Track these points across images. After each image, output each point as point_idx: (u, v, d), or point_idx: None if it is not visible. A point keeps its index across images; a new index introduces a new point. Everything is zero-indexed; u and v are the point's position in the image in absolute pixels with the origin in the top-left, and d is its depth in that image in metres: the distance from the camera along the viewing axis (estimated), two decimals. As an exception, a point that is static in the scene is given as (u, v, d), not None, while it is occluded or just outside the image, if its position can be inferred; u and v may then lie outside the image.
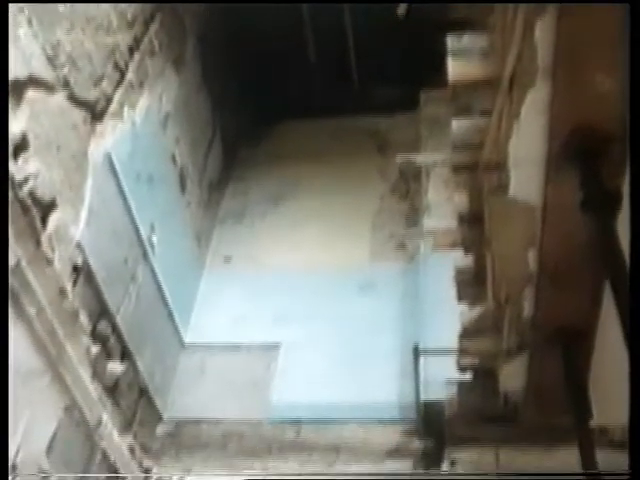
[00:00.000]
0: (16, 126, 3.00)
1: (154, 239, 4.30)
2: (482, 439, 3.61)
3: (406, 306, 4.56)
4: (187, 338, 4.72)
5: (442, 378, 3.73)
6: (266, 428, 4.13)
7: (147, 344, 4.18)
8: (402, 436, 3.90)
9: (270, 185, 5.75)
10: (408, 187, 5.48)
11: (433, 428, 3.80)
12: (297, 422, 4.10)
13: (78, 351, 3.45)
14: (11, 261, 2.92)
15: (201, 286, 5.07)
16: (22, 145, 3.05)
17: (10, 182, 2.94)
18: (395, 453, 3.83)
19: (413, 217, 5.15)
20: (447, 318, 3.51)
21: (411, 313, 4.47)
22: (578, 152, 2.29)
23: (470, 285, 3.04)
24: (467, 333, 3.13)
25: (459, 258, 3.06)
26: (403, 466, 3.78)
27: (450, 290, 3.26)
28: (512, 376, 3.18)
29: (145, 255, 4.20)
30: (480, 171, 2.67)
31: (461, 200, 2.83)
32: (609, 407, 2.93)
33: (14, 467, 2.96)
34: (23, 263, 3.00)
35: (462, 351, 3.21)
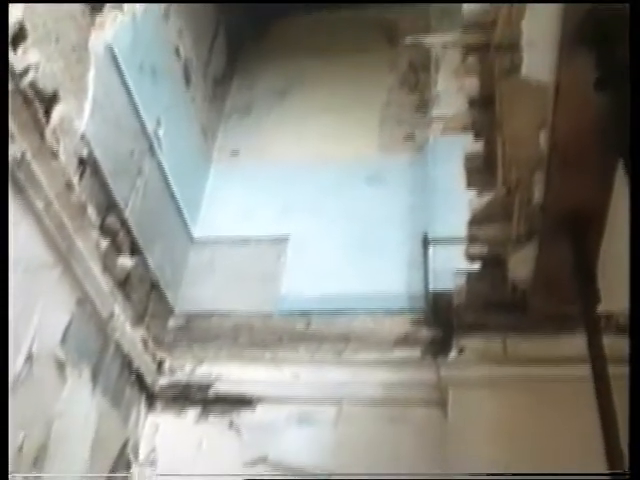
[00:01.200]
0: (13, 15, 2.92)
1: (160, 132, 4.26)
2: (490, 327, 3.64)
3: (415, 197, 4.53)
4: (196, 233, 4.73)
5: (451, 268, 3.74)
6: (276, 320, 4.18)
7: (156, 239, 4.20)
8: (411, 325, 3.95)
9: (276, 79, 5.63)
10: (417, 79, 5.36)
11: (441, 317, 3.84)
12: (307, 313, 4.14)
13: (88, 245, 3.46)
14: (16, 154, 2.90)
15: (209, 181, 5.04)
16: (20, 35, 2.98)
17: (10, 74, 2.88)
18: (404, 342, 3.88)
19: (422, 109, 5.06)
20: (456, 209, 3.49)
21: (420, 204, 4.44)
22: (594, 31, 2.22)
23: (480, 171, 3.00)
24: (476, 220, 3.11)
25: (469, 144, 3.02)
26: (412, 354, 3.83)
27: (459, 181, 3.22)
28: (521, 264, 3.17)
29: (151, 148, 4.17)
30: (492, 52, 2.60)
31: (471, 84, 2.77)
32: (616, 292, 2.94)
33: (30, 356, 3.02)
34: (28, 156, 2.98)
35: (471, 239, 3.20)
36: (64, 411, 3.24)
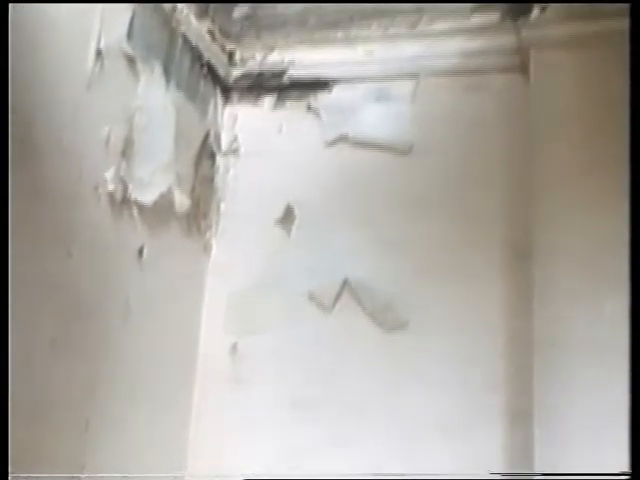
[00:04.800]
0: None
1: None
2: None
3: None
4: None
5: None
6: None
7: None
8: (489, -12, 3.69)
9: None
10: None
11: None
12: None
13: None
14: None
15: None
16: None
17: None
18: (481, 7, 3.62)
19: None
20: None
21: None
22: None
23: None
24: None
25: None
26: (490, 18, 3.61)
27: None
28: None
29: None
30: None
31: None
32: None
33: (99, 52, 2.97)
34: None
35: None
36: (142, 105, 3.24)
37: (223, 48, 4.00)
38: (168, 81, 3.48)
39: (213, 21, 3.93)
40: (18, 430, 2.32)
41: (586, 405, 2.86)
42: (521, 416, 3.11)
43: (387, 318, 3.45)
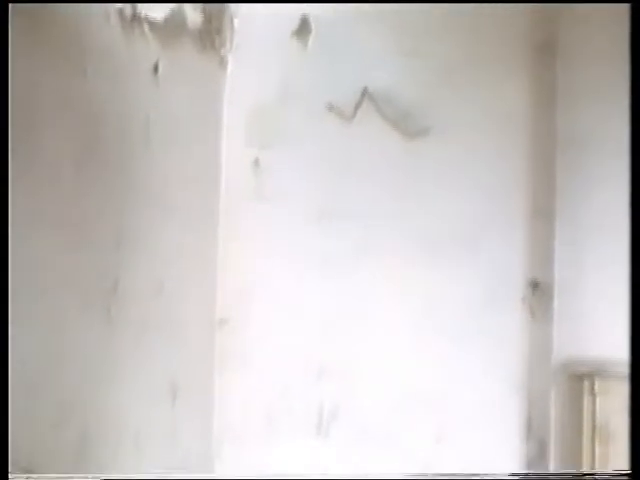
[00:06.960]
0: None
1: None
2: None
3: None
4: None
5: None
6: None
7: None
8: None
9: None
10: None
11: None
12: None
13: None
14: None
15: None
16: None
17: None
18: None
19: None
20: None
21: None
22: None
23: None
24: None
25: None
26: None
27: None
28: None
29: None
30: None
31: None
32: None
33: None
34: None
35: None
36: None
37: None
38: None
39: None
40: (51, 254, 2.41)
41: (605, 202, 2.88)
42: (544, 215, 3.14)
43: (409, 125, 3.41)
